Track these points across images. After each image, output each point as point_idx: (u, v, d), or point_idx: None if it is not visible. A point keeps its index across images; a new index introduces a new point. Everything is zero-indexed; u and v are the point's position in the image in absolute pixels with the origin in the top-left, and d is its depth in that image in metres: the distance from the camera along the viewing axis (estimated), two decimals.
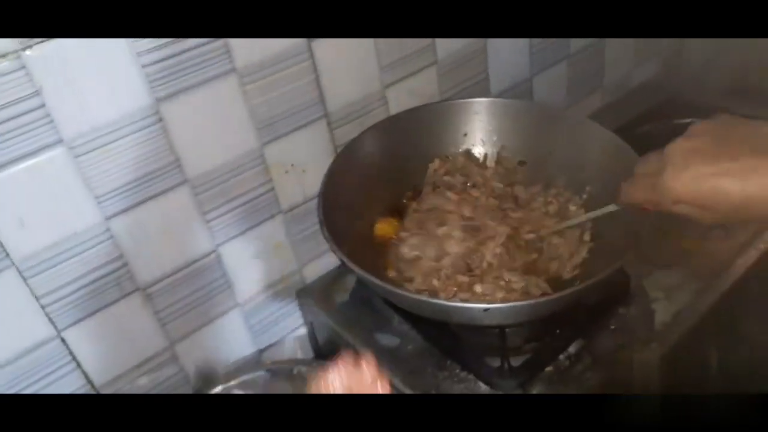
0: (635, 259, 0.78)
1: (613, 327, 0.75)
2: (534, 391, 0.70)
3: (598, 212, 0.70)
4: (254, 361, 0.86)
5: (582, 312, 0.75)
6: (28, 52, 0.56)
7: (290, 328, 0.90)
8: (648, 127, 1.07)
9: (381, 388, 0.48)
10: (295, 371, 0.79)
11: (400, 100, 0.87)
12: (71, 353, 0.69)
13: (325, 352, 0.89)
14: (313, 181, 0.81)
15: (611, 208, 0.67)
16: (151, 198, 0.69)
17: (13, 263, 0.62)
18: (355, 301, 0.84)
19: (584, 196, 0.80)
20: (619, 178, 0.73)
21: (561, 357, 0.72)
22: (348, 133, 0.83)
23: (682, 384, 0.77)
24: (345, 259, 0.65)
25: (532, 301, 0.66)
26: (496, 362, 0.71)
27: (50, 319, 0.66)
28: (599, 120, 0.80)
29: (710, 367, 0.83)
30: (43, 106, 0.58)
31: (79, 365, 0.70)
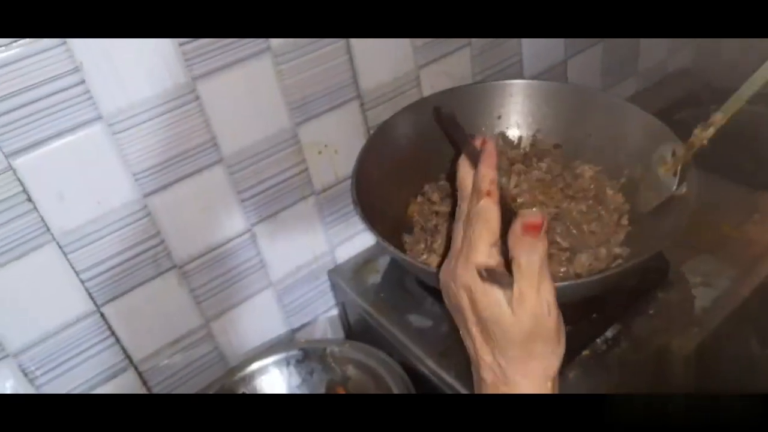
0: (674, 245, 0.76)
1: (651, 312, 0.74)
2: (570, 375, 0.69)
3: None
4: (287, 341, 0.87)
5: (620, 297, 0.74)
6: None
7: (322, 309, 0.90)
8: (684, 113, 1.05)
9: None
10: (327, 350, 0.79)
11: (433, 82, 0.86)
12: (110, 328, 0.70)
13: (356, 333, 0.89)
14: (345, 162, 0.81)
15: None
16: (187, 176, 0.69)
17: (54, 238, 0.63)
18: (387, 283, 0.84)
19: (622, 180, 0.79)
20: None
21: (598, 341, 0.71)
22: (381, 114, 0.83)
23: (722, 373, 0.75)
24: (380, 239, 0.65)
25: (568, 283, 0.65)
26: None
27: (90, 294, 0.67)
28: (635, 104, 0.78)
29: (752, 356, 0.81)
30: (82, 82, 0.59)
31: (118, 340, 0.71)
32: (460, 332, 0.51)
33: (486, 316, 0.47)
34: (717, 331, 0.72)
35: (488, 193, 0.49)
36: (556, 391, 0.48)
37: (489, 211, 0.49)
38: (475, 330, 0.49)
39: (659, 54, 1.18)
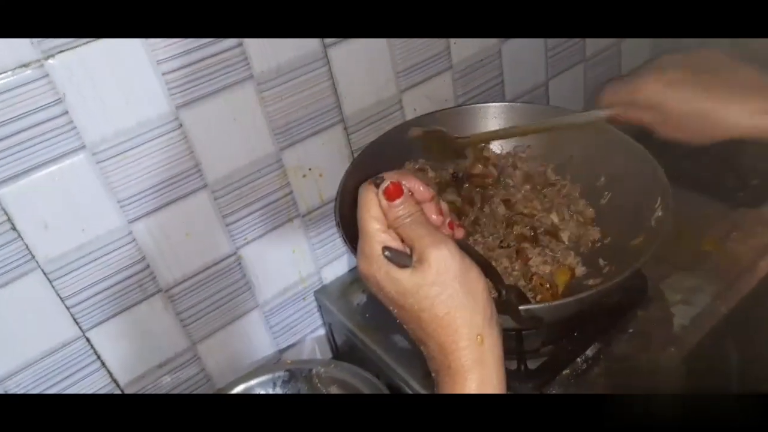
0: (654, 262, 0.77)
1: (631, 330, 0.75)
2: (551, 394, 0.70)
3: (581, 117, 0.72)
4: (274, 361, 0.87)
5: (600, 315, 0.75)
6: (50, 60, 0.58)
7: (309, 329, 0.91)
8: None
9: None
10: (313, 371, 0.80)
11: (416, 105, 0.88)
12: (96, 353, 0.71)
13: (343, 353, 0.90)
14: (330, 185, 0.83)
15: (594, 114, 0.67)
16: (172, 202, 0.70)
17: (39, 265, 0.64)
18: (373, 303, 0.85)
19: (603, 202, 0.80)
20: (638, 183, 0.74)
21: (578, 360, 0.72)
22: (364, 137, 0.84)
23: (701, 390, 0.76)
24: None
25: (545, 305, 0.66)
26: (512, 365, 0.71)
27: (75, 320, 0.68)
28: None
29: (731, 372, 0.82)
30: (65, 113, 0.60)
31: (103, 364, 0.72)
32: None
33: (395, 296, 0.47)
34: (697, 349, 0.73)
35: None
36: (494, 347, 0.46)
37: (365, 195, 0.49)
38: (400, 314, 0.48)
39: None
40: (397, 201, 0.48)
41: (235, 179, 0.74)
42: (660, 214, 0.71)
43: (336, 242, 0.88)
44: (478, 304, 0.46)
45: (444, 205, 0.52)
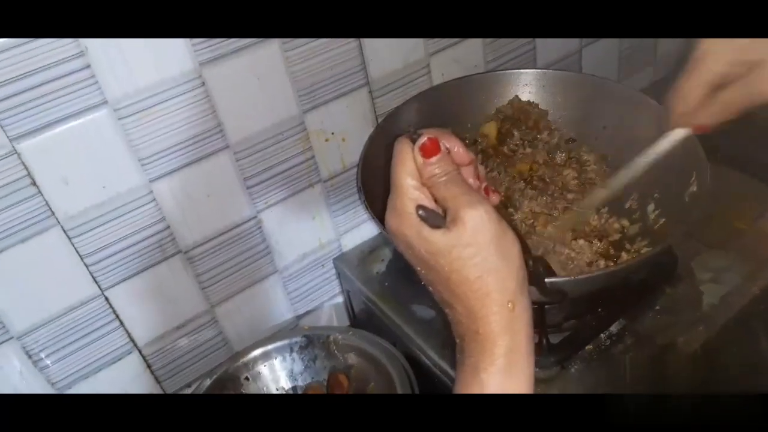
0: (685, 239, 0.75)
1: (657, 308, 0.73)
2: (573, 370, 0.69)
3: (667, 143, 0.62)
4: (292, 327, 0.87)
5: (627, 292, 0.73)
6: None
7: (327, 296, 0.90)
8: None
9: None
10: (330, 338, 0.79)
11: (444, 70, 0.85)
12: (114, 312, 0.71)
13: (360, 321, 0.89)
14: (352, 150, 0.81)
15: (676, 134, 0.60)
16: (193, 162, 0.69)
17: (58, 222, 0.63)
18: (392, 272, 0.84)
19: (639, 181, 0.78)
20: (674, 158, 0.71)
21: (602, 336, 0.71)
22: (389, 102, 0.82)
23: (729, 371, 0.74)
24: (381, 227, 0.64)
25: (572, 278, 0.65)
26: (534, 339, 0.70)
27: (94, 279, 0.68)
28: (653, 95, 0.76)
29: (761, 355, 0.80)
30: (88, 66, 0.59)
31: (122, 324, 0.72)
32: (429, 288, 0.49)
33: (425, 256, 0.45)
34: (724, 329, 0.71)
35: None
36: (523, 313, 0.45)
37: (400, 149, 0.47)
38: (428, 275, 0.47)
39: (678, 39, 1.15)
40: (434, 159, 0.45)
41: (258, 141, 0.73)
42: (694, 189, 0.68)
43: (357, 210, 0.87)
44: (512, 270, 0.44)
45: (482, 170, 0.50)
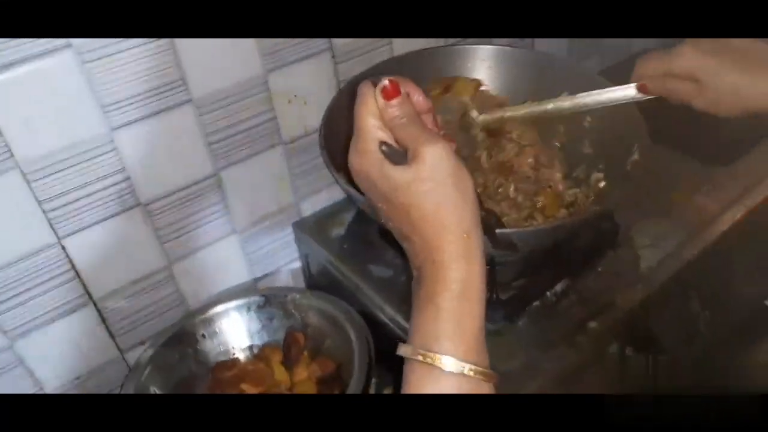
0: (625, 207, 0.80)
1: (600, 269, 0.78)
2: (520, 324, 0.72)
3: (616, 93, 0.70)
4: (249, 289, 0.88)
5: (571, 254, 0.77)
6: None
7: (286, 260, 0.92)
8: None
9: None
10: (288, 297, 0.81)
11: (406, 41, 0.88)
12: (71, 261, 0.70)
13: (318, 285, 0.91)
14: (314, 115, 0.82)
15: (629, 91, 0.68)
16: (156, 113, 0.70)
17: (17, 164, 0.63)
18: (351, 235, 0.86)
19: (586, 151, 0.82)
20: (619, 128, 0.75)
21: (548, 294, 0.75)
22: (352, 68, 0.84)
23: (666, 336, 0.79)
24: (341, 181, 0.66)
25: (520, 230, 0.68)
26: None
27: (51, 226, 0.68)
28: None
29: (696, 320, 0.85)
30: None
31: (78, 275, 0.72)
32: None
33: (386, 192, 0.48)
34: (661, 290, 0.76)
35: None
36: (477, 245, 0.47)
37: (363, 91, 0.50)
38: (388, 211, 0.49)
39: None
40: (394, 101, 0.48)
41: (220, 97, 0.74)
42: (636, 157, 0.73)
43: (316, 175, 0.88)
44: (468, 203, 0.47)
45: (439, 119, 0.53)
